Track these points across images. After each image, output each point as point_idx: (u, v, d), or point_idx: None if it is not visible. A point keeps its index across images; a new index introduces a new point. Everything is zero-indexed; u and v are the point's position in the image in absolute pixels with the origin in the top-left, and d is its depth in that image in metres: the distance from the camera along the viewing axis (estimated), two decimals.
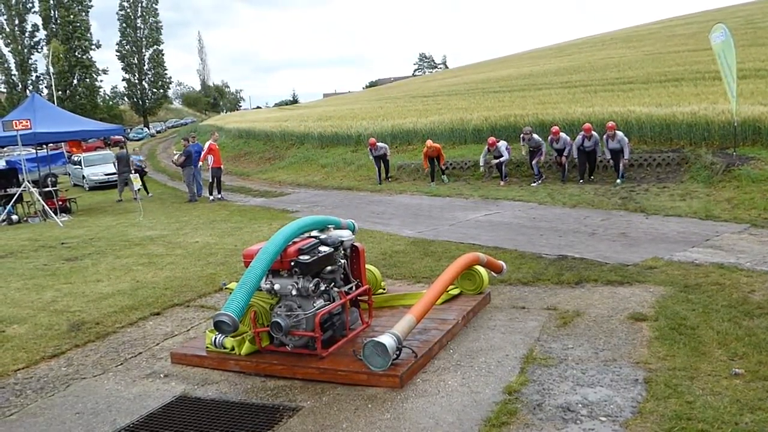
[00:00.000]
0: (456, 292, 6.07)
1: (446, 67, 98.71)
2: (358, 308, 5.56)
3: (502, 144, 15.42)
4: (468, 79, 38.97)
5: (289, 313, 4.88)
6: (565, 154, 14.46)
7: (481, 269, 6.12)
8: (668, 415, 3.60)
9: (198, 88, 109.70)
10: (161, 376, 5.13)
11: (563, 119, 16.41)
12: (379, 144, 18.08)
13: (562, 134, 14.63)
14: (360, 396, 4.37)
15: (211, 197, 17.99)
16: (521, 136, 15.41)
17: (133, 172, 18.30)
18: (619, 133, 13.63)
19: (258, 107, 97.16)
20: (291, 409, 4.30)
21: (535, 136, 15.01)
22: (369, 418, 4.01)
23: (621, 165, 13.71)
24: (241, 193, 19.41)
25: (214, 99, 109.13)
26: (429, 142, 16.64)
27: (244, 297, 4.44)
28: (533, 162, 14.94)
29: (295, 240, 5.06)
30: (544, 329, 5.28)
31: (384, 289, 6.44)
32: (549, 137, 14.79)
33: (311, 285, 4.86)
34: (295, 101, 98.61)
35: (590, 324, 5.28)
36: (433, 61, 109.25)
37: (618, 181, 13.59)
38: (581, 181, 14.19)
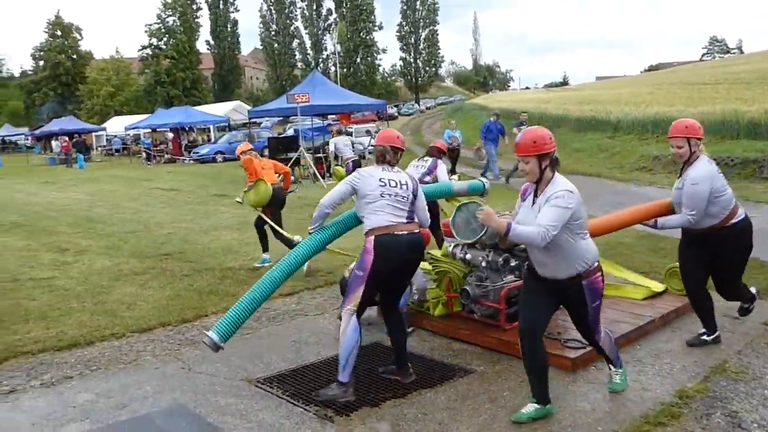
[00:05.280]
0: (660, 289, 5.79)
1: (741, 52, 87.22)
2: None
3: None
4: (760, 66, 34.24)
5: (478, 283, 5.19)
6: None
7: None
8: None
9: (470, 67, 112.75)
10: (366, 324, 5.79)
11: None
12: None
13: None
14: None
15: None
16: None
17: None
18: (699, 170, 4.51)
19: (527, 88, 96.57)
20: (465, 371, 4.65)
21: None
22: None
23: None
24: (478, 167, 19.82)
25: (484, 78, 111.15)
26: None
27: None
28: None
29: None
30: (751, 343, 4.83)
31: None
32: None
33: (500, 259, 5.11)
34: (564, 83, 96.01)
35: None
36: (726, 45, 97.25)
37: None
38: None
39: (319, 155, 20.15)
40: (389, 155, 4.42)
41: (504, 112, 35.33)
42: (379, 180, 4.26)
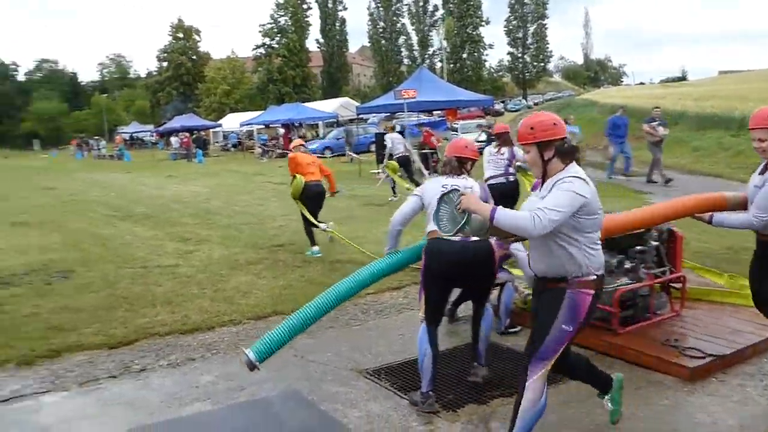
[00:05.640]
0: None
1: None
2: (669, 295, 5.40)
3: None
4: None
5: None
6: None
7: None
8: None
9: (580, 62, 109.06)
10: (463, 321, 5.80)
11: None
12: None
13: None
14: (644, 378, 4.38)
15: None
16: None
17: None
18: None
19: (641, 83, 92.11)
20: None
21: None
22: (646, 399, 4.05)
23: None
24: (601, 169, 19.16)
25: (595, 73, 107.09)
26: None
27: None
28: None
29: None
30: None
31: None
32: None
33: (615, 261, 4.95)
34: (682, 78, 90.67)
35: None
36: None
37: None
38: None
39: (425, 151, 20.25)
40: (450, 166, 4.36)
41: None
42: (442, 186, 4.18)
